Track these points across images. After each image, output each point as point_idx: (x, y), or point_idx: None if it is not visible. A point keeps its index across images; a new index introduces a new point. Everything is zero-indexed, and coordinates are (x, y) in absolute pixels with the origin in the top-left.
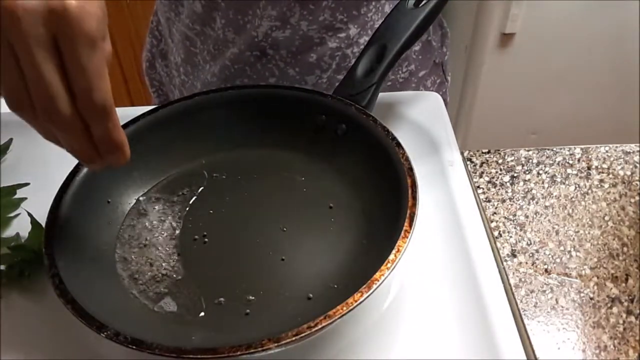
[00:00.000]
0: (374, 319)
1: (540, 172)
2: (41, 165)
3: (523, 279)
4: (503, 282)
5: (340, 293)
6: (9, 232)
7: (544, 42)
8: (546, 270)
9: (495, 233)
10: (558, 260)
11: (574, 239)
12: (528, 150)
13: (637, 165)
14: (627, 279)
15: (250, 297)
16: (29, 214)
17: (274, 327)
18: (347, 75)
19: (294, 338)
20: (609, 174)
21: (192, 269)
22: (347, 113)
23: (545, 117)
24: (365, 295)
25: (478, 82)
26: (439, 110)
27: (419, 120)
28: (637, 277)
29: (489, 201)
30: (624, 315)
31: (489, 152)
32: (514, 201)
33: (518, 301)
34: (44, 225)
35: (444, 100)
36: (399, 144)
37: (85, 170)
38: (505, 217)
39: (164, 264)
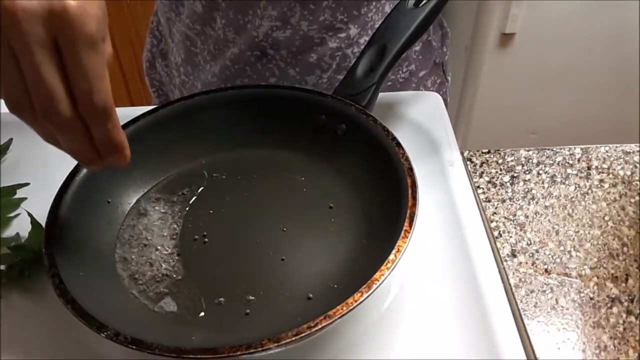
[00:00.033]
0: (374, 319)
1: (540, 172)
2: (41, 165)
3: (523, 279)
4: (503, 282)
5: (340, 293)
6: (9, 232)
7: (544, 42)
8: (546, 270)
9: (495, 233)
10: (558, 260)
11: (574, 239)
12: (528, 150)
13: (637, 165)
14: (627, 279)
15: (250, 297)
16: (29, 214)
17: (274, 327)
18: (347, 75)
19: (294, 338)
20: (609, 174)
21: (192, 269)
22: (347, 113)
23: (545, 117)
24: (365, 295)
25: (478, 82)
26: (439, 110)
27: (419, 120)
28: (637, 277)
29: (489, 201)
30: (624, 315)
31: (489, 152)
32: (514, 201)
33: (518, 301)
34: (44, 225)
35: (444, 100)
36: (399, 144)
37: (85, 170)
38: (505, 217)
39: (164, 264)
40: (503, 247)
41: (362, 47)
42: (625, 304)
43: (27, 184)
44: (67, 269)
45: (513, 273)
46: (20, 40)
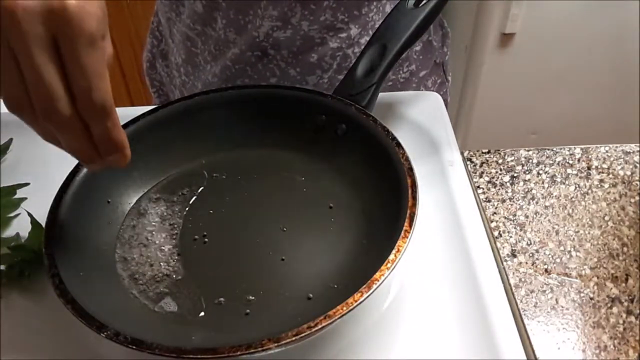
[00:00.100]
0: (374, 319)
1: (540, 172)
2: (41, 165)
3: (523, 279)
4: (503, 282)
5: (340, 293)
6: (9, 232)
7: (544, 42)
8: (546, 270)
9: (495, 233)
10: (558, 260)
11: (574, 239)
12: (528, 150)
13: (637, 165)
14: (627, 279)
15: (250, 297)
16: (29, 214)
17: (274, 327)
18: (347, 75)
19: (294, 338)
20: (609, 174)
21: (192, 269)
22: (347, 113)
23: (545, 117)
24: (365, 295)
25: (478, 82)
26: (439, 110)
27: (419, 120)
28: (637, 277)
29: (489, 201)
30: (624, 315)
31: (489, 152)
32: (514, 201)
33: (518, 301)
34: (44, 225)
35: (445, 100)
36: (399, 144)
37: (85, 170)
38: (505, 217)
39: (164, 264)
40: (503, 247)
41: (363, 47)
42: (625, 304)
43: (27, 184)
44: (67, 269)
45: (513, 273)
46: (20, 40)
